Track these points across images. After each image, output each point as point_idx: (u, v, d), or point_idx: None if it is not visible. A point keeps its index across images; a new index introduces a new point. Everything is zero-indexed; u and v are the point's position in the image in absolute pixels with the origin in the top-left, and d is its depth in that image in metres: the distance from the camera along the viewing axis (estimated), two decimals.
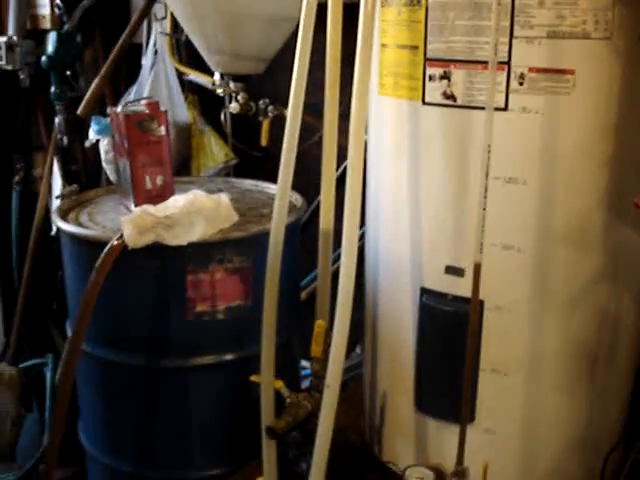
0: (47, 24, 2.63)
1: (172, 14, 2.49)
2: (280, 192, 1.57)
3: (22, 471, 2.50)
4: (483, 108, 1.32)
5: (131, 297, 1.78)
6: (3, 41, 2.56)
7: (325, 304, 1.69)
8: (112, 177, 2.32)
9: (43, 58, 2.50)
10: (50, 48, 2.50)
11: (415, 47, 1.44)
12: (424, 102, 1.44)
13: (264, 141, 2.28)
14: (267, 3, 1.98)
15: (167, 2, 2.31)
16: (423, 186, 1.48)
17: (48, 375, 2.65)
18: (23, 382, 2.69)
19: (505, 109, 1.36)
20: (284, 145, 1.55)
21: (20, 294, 2.72)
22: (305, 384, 2.00)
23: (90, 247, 1.75)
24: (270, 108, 2.22)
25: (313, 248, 1.72)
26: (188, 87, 2.64)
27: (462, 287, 1.45)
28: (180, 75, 2.60)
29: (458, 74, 1.39)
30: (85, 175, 2.68)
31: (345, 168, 1.44)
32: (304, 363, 2.17)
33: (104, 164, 2.40)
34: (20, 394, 2.67)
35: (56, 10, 2.57)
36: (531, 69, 1.33)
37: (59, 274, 2.51)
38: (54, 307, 2.75)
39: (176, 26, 2.56)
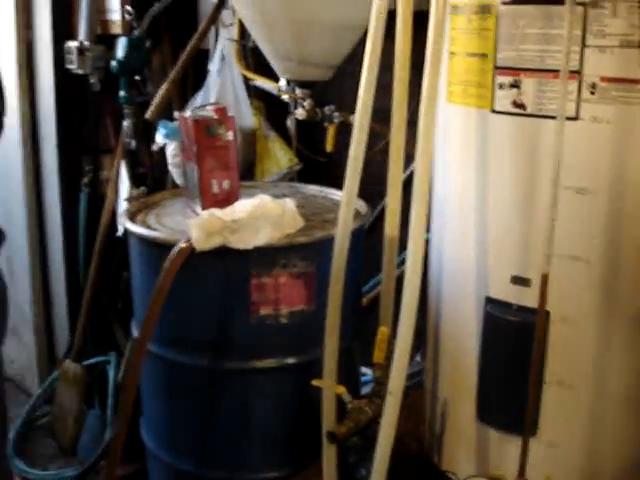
0: (117, 29, 2.66)
1: (240, 20, 2.51)
2: (346, 199, 1.57)
3: (83, 467, 2.54)
4: (553, 117, 1.31)
5: (196, 299, 1.80)
6: (74, 46, 2.60)
7: (389, 309, 1.69)
8: (178, 180, 2.35)
9: (113, 63, 2.54)
10: (120, 53, 2.54)
11: (484, 55, 1.43)
12: (493, 110, 1.44)
13: (329, 147, 2.29)
14: (336, 10, 1.98)
15: (236, 9, 2.33)
16: (491, 194, 1.48)
17: (111, 373, 2.70)
18: (87, 379, 2.74)
19: (576, 118, 1.34)
20: (350, 153, 1.55)
21: (85, 293, 2.77)
22: (364, 391, 2.00)
23: (158, 249, 1.78)
24: (336, 114, 2.23)
25: (374, 254, 1.72)
26: (254, 93, 2.66)
27: (528, 297, 1.44)
28: (246, 81, 2.63)
29: (528, 83, 1.38)
30: (152, 178, 2.72)
31: (409, 174, 1.43)
32: (363, 369, 2.17)
33: (170, 167, 2.44)
34: (83, 391, 2.73)
35: (126, 16, 2.61)
36: (603, 78, 1.32)
37: (124, 274, 2.56)
38: (119, 306, 2.80)
39: (243, 32, 2.57)
